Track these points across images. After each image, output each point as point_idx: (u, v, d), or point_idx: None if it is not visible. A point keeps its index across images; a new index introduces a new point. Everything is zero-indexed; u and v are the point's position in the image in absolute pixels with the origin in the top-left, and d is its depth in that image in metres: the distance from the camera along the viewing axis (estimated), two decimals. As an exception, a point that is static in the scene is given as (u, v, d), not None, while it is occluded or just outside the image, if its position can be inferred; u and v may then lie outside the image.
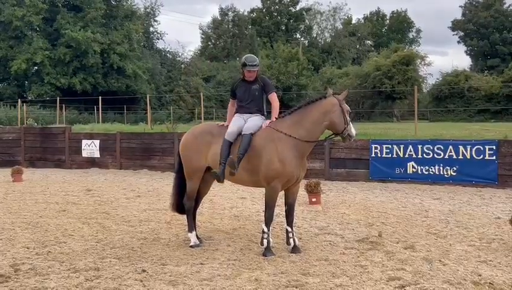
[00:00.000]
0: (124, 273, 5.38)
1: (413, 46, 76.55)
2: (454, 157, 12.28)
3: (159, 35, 57.62)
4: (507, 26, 70.37)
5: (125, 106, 37.09)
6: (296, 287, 4.86)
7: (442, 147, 12.47)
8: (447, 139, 13.19)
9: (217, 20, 67.87)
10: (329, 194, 11.09)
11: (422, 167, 12.64)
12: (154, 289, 4.89)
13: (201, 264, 5.72)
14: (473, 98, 50.78)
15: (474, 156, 12.10)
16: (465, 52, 75.53)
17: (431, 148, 12.60)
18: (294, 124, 6.29)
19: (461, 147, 12.27)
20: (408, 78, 51.49)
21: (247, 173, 6.32)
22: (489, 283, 4.93)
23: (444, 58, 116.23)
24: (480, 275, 5.17)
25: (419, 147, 12.73)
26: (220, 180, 6.46)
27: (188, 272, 5.40)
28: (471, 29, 72.52)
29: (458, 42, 76.09)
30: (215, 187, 11.16)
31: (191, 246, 6.53)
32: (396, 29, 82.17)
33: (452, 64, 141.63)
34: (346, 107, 6.42)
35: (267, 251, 6.13)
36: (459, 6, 74.92)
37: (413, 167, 12.76)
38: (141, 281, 5.12)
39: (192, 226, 6.73)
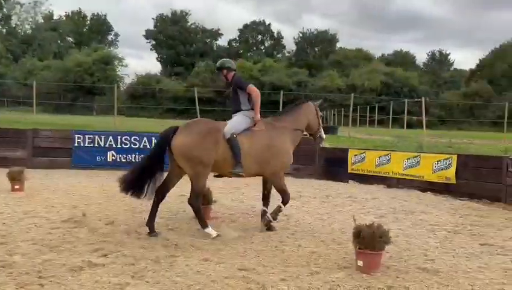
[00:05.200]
0: None
1: (112, 48, 76.48)
2: (148, 146, 13.10)
3: None
4: (190, 41, 77.19)
5: None
6: (4, 267, 4.57)
7: (138, 138, 13.14)
8: (142, 132, 13.91)
9: None
10: (33, 181, 10.40)
11: (121, 155, 13.05)
12: None
13: None
14: (163, 99, 54.17)
15: (163, 146, 13.15)
16: (157, 58, 79.59)
17: (129, 139, 13.12)
18: (291, 122, 6.61)
19: (154, 139, 13.15)
20: (107, 76, 51.44)
21: (257, 165, 6.26)
22: (175, 244, 5.59)
23: (140, 61, 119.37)
24: (168, 240, 5.79)
25: (119, 137, 13.12)
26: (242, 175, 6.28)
27: None
28: (161, 40, 76.83)
29: (151, 49, 79.57)
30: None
31: (214, 237, 5.93)
32: (96, 30, 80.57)
33: (146, 67, 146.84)
34: (320, 113, 6.99)
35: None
36: (152, 18, 78.40)
37: (113, 155, 13.06)
38: None
39: (205, 221, 6.13)
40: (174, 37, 75.61)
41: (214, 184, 10.69)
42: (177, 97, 53.65)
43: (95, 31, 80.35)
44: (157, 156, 6.16)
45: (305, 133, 7.01)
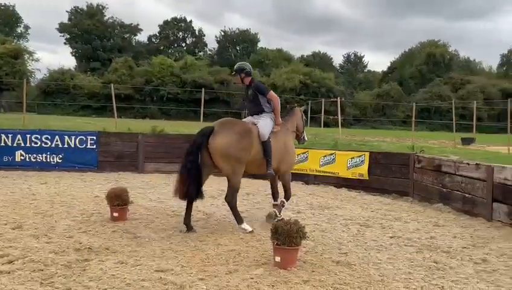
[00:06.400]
0: None
1: (22, 41, 71.82)
2: (60, 146, 12.43)
3: None
4: (107, 35, 74.43)
5: None
6: None
7: (49, 137, 12.41)
8: (54, 130, 13.18)
9: None
10: None
11: (30, 155, 12.26)
12: None
13: None
14: (78, 95, 51.82)
15: (77, 145, 12.55)
16: (71, 53, 75.94)
17: (39, 137, 12.35)
18: (291, 125, 7.41)
19: (66, 137, 12.52)
20: (16, 71, 48.25)
21: (277, 163, 6.86)
22: (89, 247, 5.35)
23: (53, 55, 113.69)
24: (81, 243, 5.51)
25: (28, 136, 12.30)
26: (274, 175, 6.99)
27: None
28: (77, 34, 73.39)
29: (65, 43, 75.78)
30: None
31: (249, 232, 6.33)
32: (4, 22, 75.17)
33: (60, 62, 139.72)
34: (304, 117, 7.89)
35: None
36: (66, 11, 74.67)
37: (21, 155, 12.22)
38: None
39: (241, 217, 6.51)
40: (90, 31, 72.55)
41: (135, 184, 10.41)
42: (93, 94, 51.58)
43: (2, 22, 74.91)
44: (196, 155, 6.26)
45: None
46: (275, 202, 7.36)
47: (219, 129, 6.32)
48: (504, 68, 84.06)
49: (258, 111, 6.91)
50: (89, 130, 14.00)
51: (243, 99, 7.88)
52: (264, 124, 6.75)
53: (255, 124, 6.73)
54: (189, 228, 6.33)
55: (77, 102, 48.23)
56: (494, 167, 7.77)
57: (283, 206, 7.32)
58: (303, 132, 7.84)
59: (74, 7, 75.51)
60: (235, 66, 7.07)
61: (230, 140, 6.23)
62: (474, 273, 4.96)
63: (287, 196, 7.39)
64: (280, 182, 7.46)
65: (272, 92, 6.96)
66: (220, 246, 5.64)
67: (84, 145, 12.60)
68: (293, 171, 12.23)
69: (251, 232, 6.32)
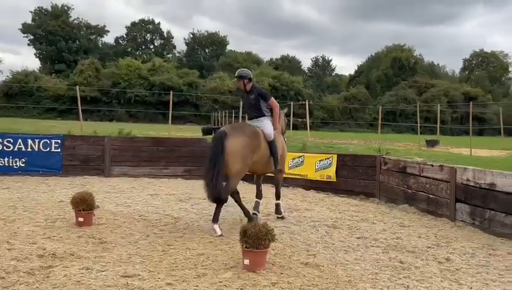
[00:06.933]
0: None
1: (-17, 41, 69.62)
2: (23, 149, 12.08)
3: None
4: (72, 37, 72.94)
5: None
6: None
7: (11, 140, 12.04)
8: (16, 133, 12.80)
9: None
10: None
11: (-9, 159, 11.86)
12: None
13: None
14: (42, 98, 50.61)
15: (41, 148, 12.22)
16: (35, 54, 74.04)
17: (0, 141, 11.96)
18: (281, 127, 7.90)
19: (30, 141, 12.18)
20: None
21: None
22: (53, 253, 5.20)
23: (16, 57, 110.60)
24: (44, 249, 5.36)
25: (-11, 140, 11.90)
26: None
27: None
28: (41, 35, 71.65)
29: (29, 44, 73.86)
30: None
31: (218, 235, 6.31)
32: (-37, 21, 72.77)
33: (23, 64, 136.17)
34: (286, 119, 8.55)
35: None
36: (30, 12, 72.79)
37: (-18, 159, 11.81)
38: None
39: (218, 218, 6.57)
40: (55, 32, 70.91)
41: (101, 189, 10.21)
42: (58, 96, 50.45)
43: (-39, 21, 72.51)
44: (218, 156, 6.45)
45: None
46: (258, 199, 7.76)
47: (232, 132, 6.71)
48: (466, 72, 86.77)
49: (259, 115, 7.32)
50: (53, 133, 13.66)
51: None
52: (266, 125, 7.23)
53: (258, 127, 7.17)
54: (249, 214, 7.19)
55: (41, 105, 47.06)
56: (457, 168, 7.99)
57: (279, 206, 7.98)
58: (284, 133, 8.39)
59: (38, 7, 73.76)
60: (238, 72, 7.40)
61: (243, 142, 6.67)
62: (438, 272, 5.08)
63: (278, 194, 8.01)
64: (260, 182, 8.00)
65: (273, 99, 7.48)
66: (189, 250, 5.58)
67: (48, 149, 12.28)
68: (262, 174, 12.33)
69: (220, 235, 6.32)
